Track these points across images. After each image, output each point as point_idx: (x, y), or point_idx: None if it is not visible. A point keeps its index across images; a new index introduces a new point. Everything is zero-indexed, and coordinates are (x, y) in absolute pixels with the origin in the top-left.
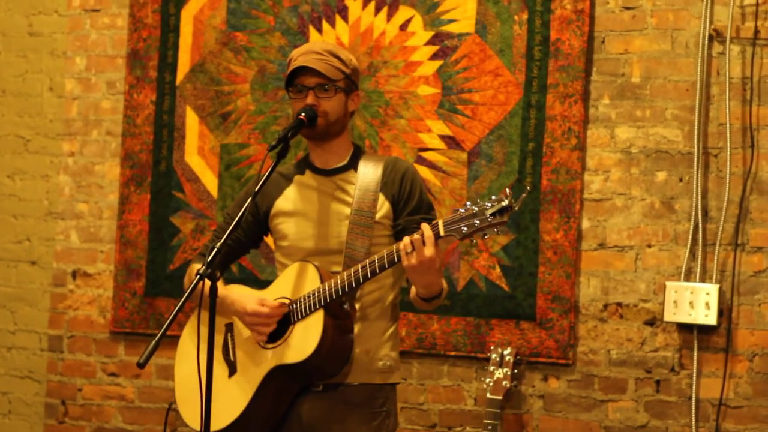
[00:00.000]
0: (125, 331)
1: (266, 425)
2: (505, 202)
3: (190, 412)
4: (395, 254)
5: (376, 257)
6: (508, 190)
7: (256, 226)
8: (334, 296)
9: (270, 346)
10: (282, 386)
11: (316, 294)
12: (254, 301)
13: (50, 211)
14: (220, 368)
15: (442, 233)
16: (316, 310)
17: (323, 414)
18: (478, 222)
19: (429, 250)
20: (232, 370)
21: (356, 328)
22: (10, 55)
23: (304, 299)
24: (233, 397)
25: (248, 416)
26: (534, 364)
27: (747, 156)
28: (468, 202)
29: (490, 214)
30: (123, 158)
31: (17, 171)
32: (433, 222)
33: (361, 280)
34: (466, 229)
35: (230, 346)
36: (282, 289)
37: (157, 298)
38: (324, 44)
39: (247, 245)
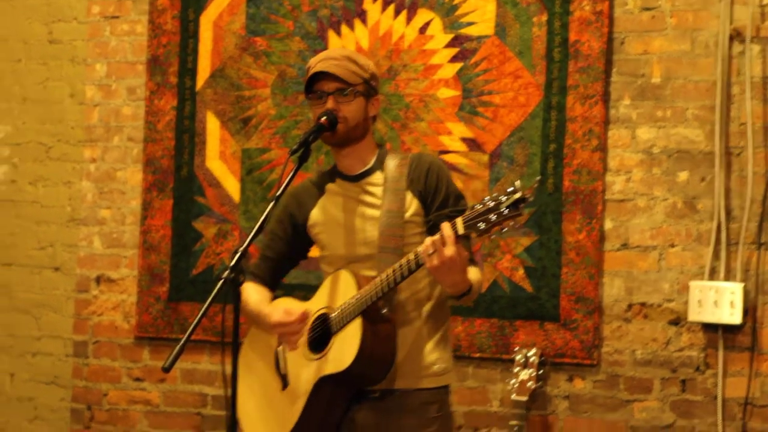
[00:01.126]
0: (149, 336)
1: None
2: (518, 195)
3: (248, 423)
4: (419, 256)
5: (404, 260)
6: (518, 183)
7: (298, 238)
8: (369, 302)
9: (315, 357)
10: (332, 396)
11: (353, 302)
12: (280, 311)
13: (73, 218)
14: (273, 381)
15: (460, 231)
16: (354, 318)
17: (378, 421)
18: (494, 217)
19: (450, 250)
20: (285, 383)
21: (402, 333)
22: (31, 62)
23: (343, 308)
24: (286, 409)
25: (302, 427)
26: (559, 365)
27: None
28: (486, 197)
29: (506, 208)
30: (145, 164)
31: (39, 178)
32: (452, 221)
33: (392, 285)
34: (483, 225)
35: (282, 358)
36: (323, 299)
37: (181, 302)
38: (342, 50)
39: (293, 257)
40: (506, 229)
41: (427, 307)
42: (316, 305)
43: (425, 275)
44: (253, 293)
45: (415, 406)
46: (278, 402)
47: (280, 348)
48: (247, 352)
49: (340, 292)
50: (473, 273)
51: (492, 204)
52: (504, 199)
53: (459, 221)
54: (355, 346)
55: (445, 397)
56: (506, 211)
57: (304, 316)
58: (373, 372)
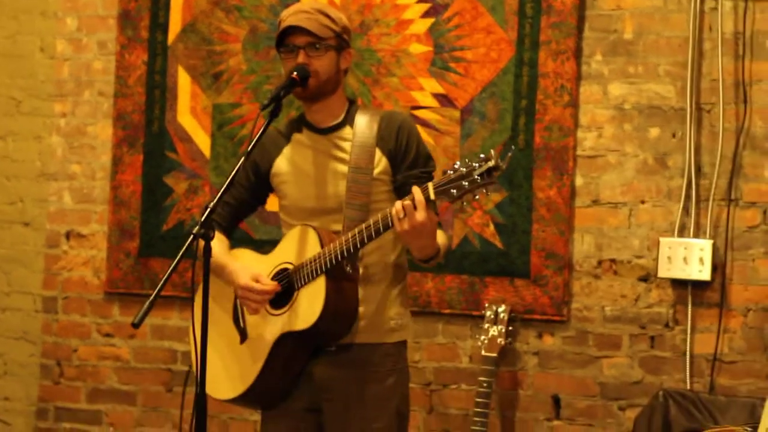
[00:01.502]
0: (119, 292)
1: (280, 388)
2: (491, 163)
3: (209, 377)
4: (389, 219)
5: (371, 221)
6: (493, 151)
7: (259, 184)
8: (334, 261)
9: (277, 312)
10: (292, 351)
11: (317, 259)
12: (248, 275)
13: (43, 173)
14: (232, 334)
15: (432, 197)
16: (318, 275)
17: (336, 375)
18: (466, 184)
19: (420, 215)
20: (243, 336)
21: (362, 290)
22: (1, 16)
23: (306, 265)
24: (246, 363)
25: (262, 381)
26: (528, 321)
27: (740, 111)
28: (457, 163)
29: (478, 175)
30: (115, 119)
31: (9, 132)
32: (423, 186)
33: (358, 245)
34: (455, 191)
35: (240, 312)
36: (285, 254)
37: (151, 258)
38: (313, 3)
39: (252, 204)
40: (478, 196)
41: (388, 266)
42: (277, 259)
43: (388, 235)
44: (216, 241)
45: (373, 360)
46: (238, 355)
47: (239, 302)
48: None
49: (302, 248)
50: (440, 237)
51: (465, 170)
52: (477, 166)
53: (430, 186)
54: (320, 303)
55: (403, 352)
56: (479, 179)
57: (273, 287)
58: (335, 329)
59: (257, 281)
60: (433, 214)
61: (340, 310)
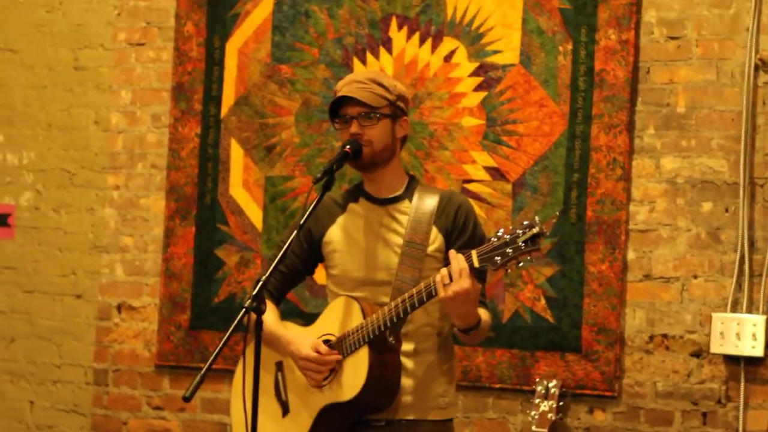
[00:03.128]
0: (170, 365)
1: None
2: (536, 229)
3: None
4: (433, 287)
5: (414, 290)
6: (537, 218)
7: (310, 253)
8: (377, 332)
9: (318, 384)
10: (336, 423)
11: (360, 330)
12: (308, 345)
13: (95, 245)
14: (273, 408)
15: (476, 264)
16: (360, 346)
17: None
18: (510, 251)
19: (465, 282)
20: (285, 409)
21: (411, 363)
22: (57, 89)
23: (349, 336)
24: None
25: None
26: (579, 396)
27: None
28: (501, 230)
29: (522, 242)
30: (168, 191)
31: (63, 204)
32: (467, 253)
33: (402, 315)
34: (499, 258)
35: (281, 384)
36: (327, 325)
37: (202, 331)
38: (368, 73)
39: (302, 273)
40: (522, 263)
41: (437, 340)
42: (319, 330)
43: (437, 306)
44: (267, 311)
45: None
46: (282, 429)
47: (280, 374)
48: (239, 378)
49: (345, 319)
50: (484, 314)
51: (508, 237)
52: (521, 233)
53: (474, 253)
54: (363, 375)
55: (450, 430)
56: (523, 246)
57: (333, 356)
58: (377, 401)
59: (318, 351)
60: (476, 282)
61: (383, 380)
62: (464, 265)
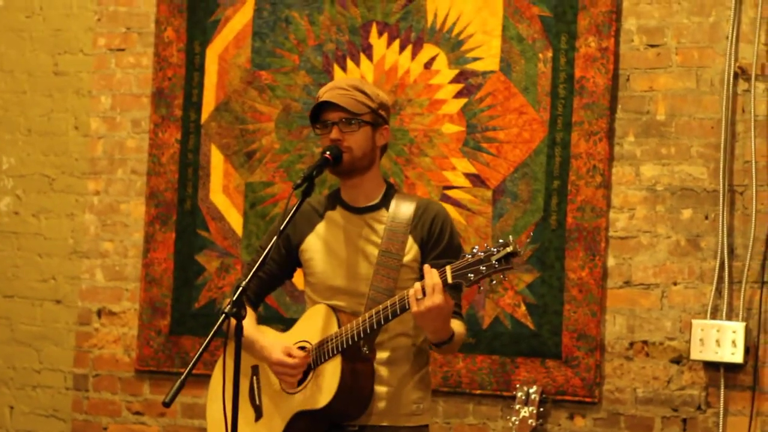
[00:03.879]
0: (150, 370)
1: None
2: (510, 248)
3: None
4: (406, 301)
5: (389, 303)
6: (511, 237)
7: (289, 258)
8: (350, 342)
9: (292, 390)
10: (307, 429)
11: (334, 339)
12: (280, 350)
13: (75, 250)
14: (247, 412)
15: (449, 280)
16: (334, 355)
17: None
18: (484, 269)
19: (438, 297)
20: (258, 414)
21: (385, 371)
22: (36, 94)
23: (323, 344)
24: None
25: None
26: (560, 402)
27: None
28: (476, 247)
29: (496, 260)
30: (148, 197)
31: (42, 210)
32: (441, 269)
33: (375, 326)
34: (473, 275)
35: (256, 389)
36: (302, 332)
37: (182, 336)
38: (350, 80)
39: (281, 277)
40: (495, 281)
41: (412, 349)
42: (294, 337)
43: (411, 318)
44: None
45: None
46: None
47: (255, 379)
48: (216, 382)
49: (320, 327)
50: (458, 326)
51: (483, 255)
52: (495, 251)
53: (448, 269)
54: (335, 384)
55: None
56: (497, 264)
57: (305, 360)
58: (349, 410)
59: (289, 355)
60: (450, 297)
61: (355, 390)
62: (437, 280)
